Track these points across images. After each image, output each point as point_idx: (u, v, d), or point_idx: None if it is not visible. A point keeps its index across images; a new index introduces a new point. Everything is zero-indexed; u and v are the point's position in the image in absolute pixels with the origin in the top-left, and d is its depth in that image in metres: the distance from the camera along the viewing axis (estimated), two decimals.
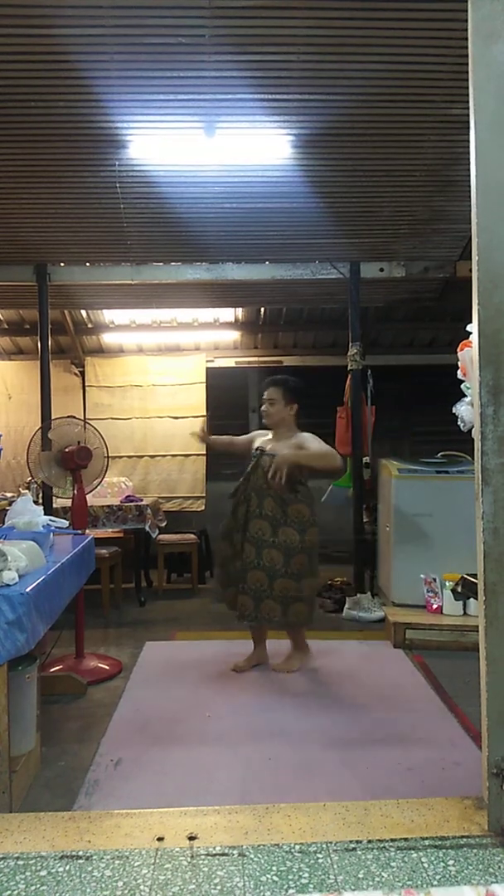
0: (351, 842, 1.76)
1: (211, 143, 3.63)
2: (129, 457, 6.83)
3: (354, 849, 1.72)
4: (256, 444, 3.71)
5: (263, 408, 3.67)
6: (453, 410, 2.63)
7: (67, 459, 3.93)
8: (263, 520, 3.47)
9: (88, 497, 4.14)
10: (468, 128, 1.89)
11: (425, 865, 1.65)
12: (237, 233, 4.68)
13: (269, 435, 3.69)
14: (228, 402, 6.90)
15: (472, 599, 3.93)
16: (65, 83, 3.19)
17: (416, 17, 2.86)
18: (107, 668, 3.75)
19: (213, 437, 3.98)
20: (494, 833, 1.78)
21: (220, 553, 3.73)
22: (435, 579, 4.35)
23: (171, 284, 5.27)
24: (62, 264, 5.09)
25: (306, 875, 1.62)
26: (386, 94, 3.34)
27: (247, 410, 7.23)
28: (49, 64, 3.07)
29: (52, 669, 3.63)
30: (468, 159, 1.89)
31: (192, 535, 6.00)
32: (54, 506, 5.06)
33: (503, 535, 1.83)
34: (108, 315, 6.57)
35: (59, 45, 2.95)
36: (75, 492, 3.99)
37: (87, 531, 3.95)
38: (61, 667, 3.69)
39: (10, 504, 3.72)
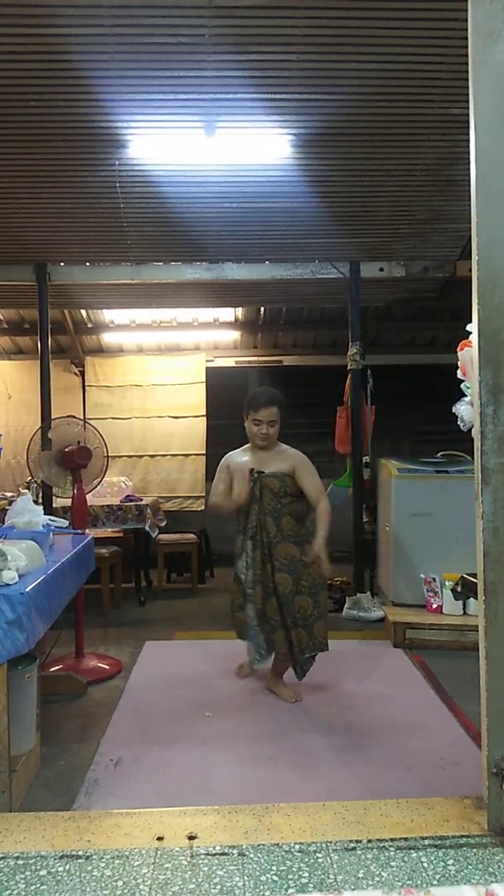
0: (351, 841, 1.75)
1: (211, 143, 3.63)
2: (129, 456, 6.84)
3: (354, 848, 1.72)
4: (240, 464, 3.31)
5: (263, 431, 3.23)
6: (453, 410, 2.63)
7: (67, 459, 3.93)
8: (288, 542, 3.19)
9: (88, 497, 4.14)
10: (468, 127, 1.89)
11: (425, 865, 1.65)
12: (237, 232, 4.69)
13: (250, 453, 3.34)
14: (228, 401, 6.87)
15: (471, 599, 3.95)
16: (65, 83, 3.19)
17: (416, 17, 2.86)
18: (107, 667, 3.75)
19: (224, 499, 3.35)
20: (494, 832, 1.78)
21: (257, 600, 3.20)
22: (434, 579, 4.35)
23: (170, 284, 5.26)
24: (62, 264, 5.09)
25: (306, 874, 1.62)
26: (385, 94, 3.35)
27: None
28: (49, 64, 3.07)
29: (51, 669, 3.63)
30: (468, 159, 1.88)
31: (192, 535, 6.00)
32: (54, 505, 5.06)
33: (503, 534, 1.83)
34: (108, 315, 6.58)
35: (59, 44, 2.95)
36: (75, 491, 3.99)
37: (87, 531, 3.95)
38: (61, 666, 3.69)
39: (10, 503, 3.72)
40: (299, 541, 3.20)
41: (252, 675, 3.56)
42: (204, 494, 6.74)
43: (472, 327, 1.91)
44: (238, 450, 3.43)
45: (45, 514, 3.08)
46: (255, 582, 3.20)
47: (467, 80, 1.88)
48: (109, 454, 4.35)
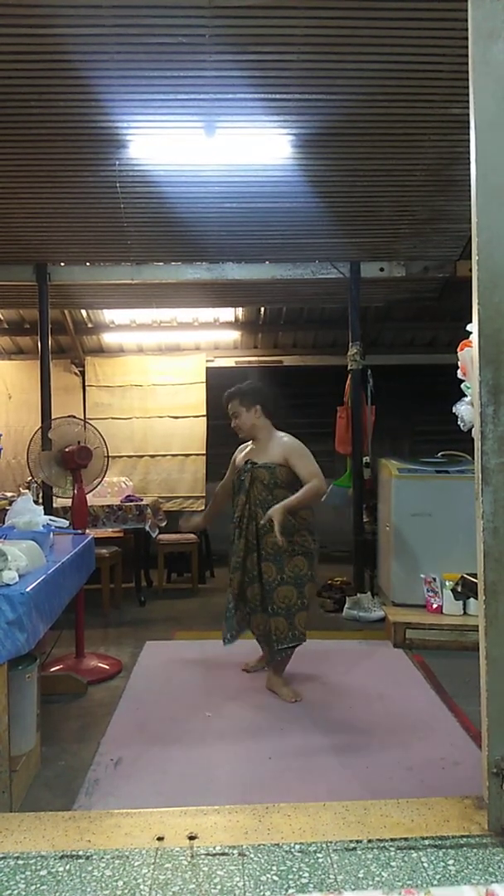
0: (351, 841, 1.75)
1: (211, 143, 3.63)
2: (129, 456, 6.84)
3: (354, 848, 1.72)
4: (241, 457, 3.49)
5: (232, 425, 3.48)
6: (453, 410, 2.63)
7: (67, 459, 3.93)
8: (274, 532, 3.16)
9: (88, 497, 4.14)
10: (468, 127, 1.89)
11: (425, 865, 1.65)
12: (237, 232, 4.69)
13: (250, 444, 3.50)
14: None
15: (471, 599, 3.95)
16: (65, 83, 3.19)
17: (416, 17, 2.86)
18: (107, 667, 3.75)
19: (210, 511, 3.84)
20: (494, 832, 1.78)
21: (235, 584, 3.38)
22: (435, 579, 4.35)
23: (171, 284, 5.26)
24: (62, 264, 5.09)
25: (306, 875, 1.62)
26: (386, 94, 3.35)
27: None
28: (49, 63, 3.07)
29: (52, 669, 3.63)
30: (468, 159, 1.89)
31: (192, 535, 5.99)
32: (54, 505, 5.06)
33: (503, 534, 1.82)
34: (109, 315, 6.58)
35: (60, 44, 2.95)
36: (75, 491, 3.99)
37: (87, 531, 3.95)
38: (61, 666, 3.69)
39: (10, 504, 3.72)
40: (286, 532, 3.15)
41: (258, 670, 3.60)
42: (204, 494, 6.75)
43: (473, 327, 1.91)
44: (246, 442, 3.57)
45: (45, 514, 3.08)
46: (234, 569, 3.36)
47: (467, 79, 1.88)
48: (110, 454, 4.35)
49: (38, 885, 1.60)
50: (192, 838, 1.79)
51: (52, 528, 3.01)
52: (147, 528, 5.40)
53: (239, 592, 3.38)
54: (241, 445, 3.59)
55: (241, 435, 3.50)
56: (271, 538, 3.19)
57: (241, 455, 3.52)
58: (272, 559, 3.25)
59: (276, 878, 1.61)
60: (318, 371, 6.86)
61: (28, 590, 2.20)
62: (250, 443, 3.52)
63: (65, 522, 3.17)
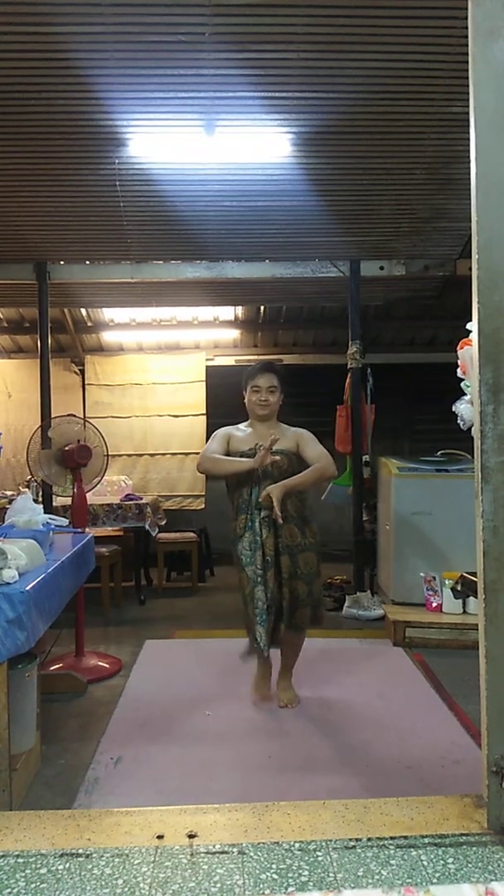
0: (351, 840, 1.75)
1: (211, 141, 3.63)
2: (129, 455, 6.84)
3: (354, 847, 1.72)
4: (243, 440, 3.17)
5: (262, 397, 3.14)
6: (453, 409, 2.63)
7: (67, 458, 3.93)
8: (291, 524, 3.03)
9: (88, 495, 4.14)
10: (468, 126, 1.88)
11: (425, 863, 1.65)
12: (237, 231, 4.68)
13: (252, 430, 3.20)
14: (228, 400, 6.88)
15: (471, 598, 3.95)
16: (65, 81, 3.18)
17: (417, 15, 2.86)
18: (107, 666, 3.75)
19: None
20: (494, 831, 1.78)
21: (270, 583, 3.00)
22: (434, 577, 4.35)
23: (170, 283, 5.26)
24: (62, 262, 5.10)
25: (306, 873, 1.62)
26: (386, 92, 3.34)
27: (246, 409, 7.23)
28: (49, 62, 3.07)
29: (52, 668, 3.64)
30: (468, 157, 1.88)
31: (192, 534, 6.00)
32: (54, 504, 5.06)
33: (503, 533, 1.82)
34: (108, 313, 6.57)
35: (59, 42, 2.95)
36: (75, 490, 3.99)
37: (87, 529, 3.95)
38: (61, 665, 3.69)
39: (10, 502, 3.72)
40: (300, 523, 3.08)
41: (270, 698, 3.26)
42: (204, 493, 6.74)
43: (473, 326, 1.90)
44: (235, 426, 3.27)
45: (45, 512, 3.08)
46: (266, 565, 3.00)
47: (467, 78, 1.87)
48: (109, 453, 4.35)
49: (38, 884, 1.60)
50: (191, 836, 1.79)
51: (52, 526, 3.01)
52: (147, 526, 5.40)
53: (275, 590, 3.01)
54: (230, 428, 3.23)
55: (265, 411, 3.15)
56: (289, 529, 3.02)
57: (240, 435, 3.19)
58: (288, 552, 3.04)
59: (275, 876, 1.61)
60: (318, 370, 6.85)
61: (28, 588, 2.20)
62: (246, 429, 3.23)
63: (64, 521, 3.16)
